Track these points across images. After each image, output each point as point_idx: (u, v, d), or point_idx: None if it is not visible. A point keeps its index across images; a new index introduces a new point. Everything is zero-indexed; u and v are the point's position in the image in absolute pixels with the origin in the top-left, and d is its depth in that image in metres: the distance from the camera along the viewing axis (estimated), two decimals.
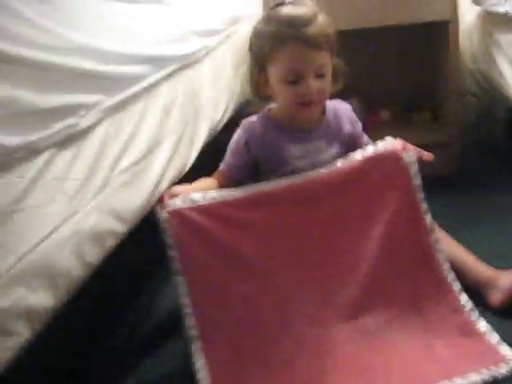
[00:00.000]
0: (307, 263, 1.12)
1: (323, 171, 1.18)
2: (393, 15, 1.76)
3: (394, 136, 1.91)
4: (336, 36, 1.20)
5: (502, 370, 0.96)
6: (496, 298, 1.16)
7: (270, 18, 1.20)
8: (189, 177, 1.27)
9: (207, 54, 1.61)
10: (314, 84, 1.16)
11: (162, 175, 1.19)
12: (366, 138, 1.35)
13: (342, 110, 1.31)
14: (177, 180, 1.29)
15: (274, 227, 1.13)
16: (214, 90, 1.63)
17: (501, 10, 1.57)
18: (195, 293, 1.07)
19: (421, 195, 1.16)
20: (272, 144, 1.25)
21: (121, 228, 1.02)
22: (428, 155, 1.21)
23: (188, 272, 1.07)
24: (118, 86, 1.01)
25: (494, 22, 1.74)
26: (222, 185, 1.24)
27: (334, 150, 1.27)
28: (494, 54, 1.73)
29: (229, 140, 1.31)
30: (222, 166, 1.30)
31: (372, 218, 1.15)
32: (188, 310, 1.07)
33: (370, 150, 1.19)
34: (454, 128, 1.88)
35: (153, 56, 1.17)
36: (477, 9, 1.94)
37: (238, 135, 1.28)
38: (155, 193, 1.16)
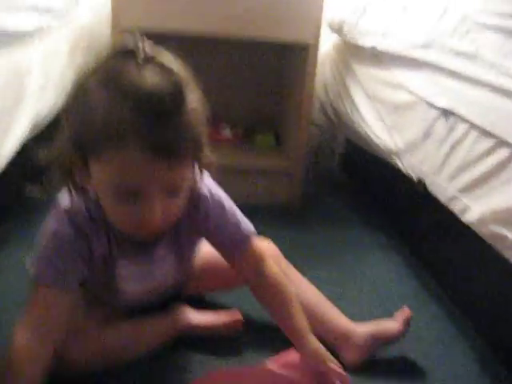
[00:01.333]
0: None
1: None
2: (251, 28, 1.61)
3: (239, 157, 1.86)
4: (206, 125, 0.79)
5: None
6: (350, 356, 1.03)
7: (109, 80, 0.72)
8: None
9: (40, 35, 1.36)
10: (159, 207, 0.76)
11: None
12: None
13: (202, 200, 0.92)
14: None
15: None
16: (43, 78, 1.38)
17: (367, 44, 1.50)
18: None
19: None
20: (100, 250, 0.88)
21: None
22: None
23: None
24: None
25: (353, 54, 1.69)
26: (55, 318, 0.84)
27: (172, 255, 0.97)
28: (350, 87, 1.67)
29: None
30: (53, 284, 0.83)
31: None
32: None
33: None
34: (297, 157, 1.80)
35: None
36: (333, 38, 1.89)
37: (60, 224, 0.84)
38: None
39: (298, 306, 0.95)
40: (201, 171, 0.85)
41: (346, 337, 1.04)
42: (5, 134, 1.14)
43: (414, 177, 1.24)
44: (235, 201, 1.06)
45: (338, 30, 1.75)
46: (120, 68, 0.72)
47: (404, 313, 1.05)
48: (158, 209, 0.76)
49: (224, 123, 2.06)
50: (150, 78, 0.70)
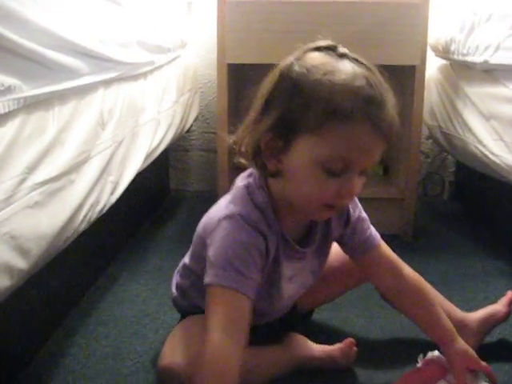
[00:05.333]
0: None
1: None
2: (357, 53, 1.60)
3: None
4: None
5: None
6: (468, 343, 1.00)
7: (325, 70, 0.79)
8: None
9: (152, 71, 1.41)
10: (357, 184, 0.81)
11: (85, 199, 0.96)
12: (367, 225, 1.01)
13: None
14: (100, 211, 1.05)
15: None
16: (155, 113, 1.42)
17: (478, 60, 1.44)
18: None
19: None
20: (272, 251, 0.89)
21: (22, 264, 0.77)
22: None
23: None
24: (42, 75, 0.78)
25: (461, 74, 1.63)
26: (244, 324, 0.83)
27: (317, 260, 1.00)
28: (461, 108, 1.61)
29: None
30: (237, 288, 0.82)
31: None
32: None
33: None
34: (409, 183, 1.73)
35: (92, 52, 0.95)
36: (435, 61, 1.84)
37: (244, 232, 0.85)
38: (73, 222, 0.91)
39: (440, 308, 0.99)
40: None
41: (462, 324, 1.07)
42: (124, 165, 1.18)
43: None
44: None
45: (442, 50, 1.70)
46: (324, 59, 0.80)
47: (508, 296, 1.13)
48: (356, 184, 0.79)
49: None
50: (356, 68, 0.79)
